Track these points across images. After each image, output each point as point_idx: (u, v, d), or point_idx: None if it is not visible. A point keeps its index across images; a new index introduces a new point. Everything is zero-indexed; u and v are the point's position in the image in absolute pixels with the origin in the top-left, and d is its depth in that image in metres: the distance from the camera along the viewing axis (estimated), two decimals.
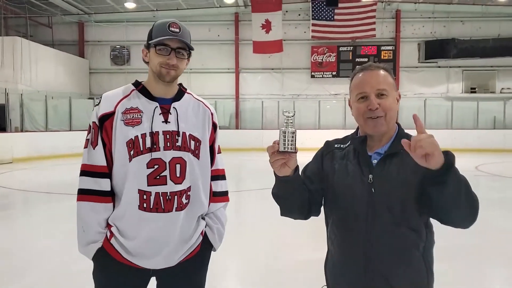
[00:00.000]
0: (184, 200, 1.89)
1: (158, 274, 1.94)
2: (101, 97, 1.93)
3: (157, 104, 1.90)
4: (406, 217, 1.55)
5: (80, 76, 21.66)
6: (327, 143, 1.82)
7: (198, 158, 1.94)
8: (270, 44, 20.12)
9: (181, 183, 1.87)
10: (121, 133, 1.84)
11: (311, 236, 5.73)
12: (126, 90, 1.94)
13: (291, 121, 1.48)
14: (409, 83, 21.32)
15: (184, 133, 1.90)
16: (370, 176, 1.60)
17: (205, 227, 2.03)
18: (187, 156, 1.89)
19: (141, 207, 1.83)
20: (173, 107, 1.92)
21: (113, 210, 1.89)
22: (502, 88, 21.18)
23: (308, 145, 20.46)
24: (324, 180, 1.72)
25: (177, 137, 1.88)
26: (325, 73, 21.13)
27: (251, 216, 7.33)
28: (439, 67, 21.31)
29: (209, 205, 2.05)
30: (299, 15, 21.37)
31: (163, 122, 1.87)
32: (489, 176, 11.74)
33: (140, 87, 1.94)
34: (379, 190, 1.58)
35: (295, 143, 1.48)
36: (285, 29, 20.76)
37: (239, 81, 21.66)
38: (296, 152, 1.50)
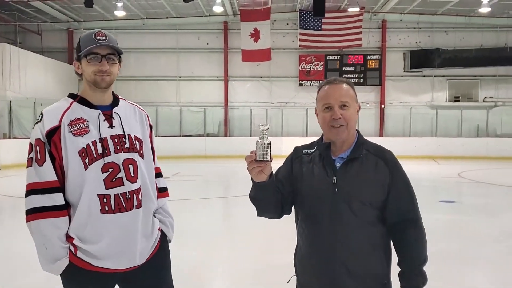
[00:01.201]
0: (140, 198, 2.01)
1: (127, 277, 2.02)
2: (42, 114, 1.96)
3: (99, 111, 1.99)
4: (364, 212, 1.79)
5: (69, 83, 21.63)
6: (296, 149, 2.03)
7: (143, 158, 2.06)
8: (259, 53, 20.37)
9: (135, 182, 1.99)
10: (72, 144, 1.90)
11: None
12: (66, 103, 2.00)
13: (266, 133, 1.70)
14: (394, 91, 21.71)
15: (129, 135, 2.02)
16: (334, 178, 1.81)
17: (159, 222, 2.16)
18: (136, 156, 2.02)
19: (102, 211, 1.91)
20: (115, 112, 2.03)
21: (70, 222, 1.94)
22: (485, 97, 21.66)
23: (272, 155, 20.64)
24: (293, 183, 1.91)
25: (124, 140, 1.99)
26: (312, 81, 21.40)
27: (240, 221, 7.49)
28: (424, 76, 21.74)
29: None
30: (287, 24, 21.68)
31: (108, 127, 1.98)
32: (471, 182, 12.01)
33: (78, 99, 2.01)
34: (341, 189, 1.79)
35: (270, 153, 1.70)
36: (274, 38, 21.04)
37: (228, 89, 21.84)
38: (271, 161, 1.72)
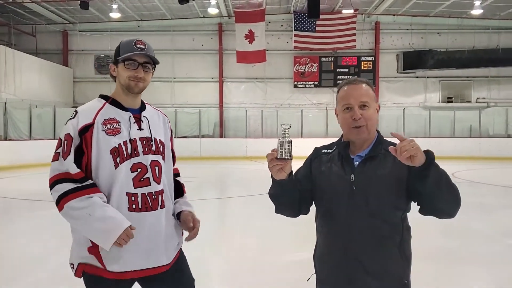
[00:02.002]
0: (163, 198, 2.10)
1: (150, 283, 2.09)
2: (76, 112, 2.06)
3: (130, 113, 2.09)
4: (382, 211, 1.79)
5: (64, 85, 21.67)
6: (316, 149, 2.07)
7: (164, 161, 2.16)
8: (254, 54, 20.47)
9: (160, 183, 2.09)
10: (104, 143, 1.98)
11: (294, 239, 6.02)
12: (99, 103, 2.10)
13: (288, 132, 1.77)
14: (388, 92, 21.89)
15: (155, 138, 2.12)
16: (352, 175, 1.83)
17: (185, 207, 2.27)
18: (160, 159, 2.12)
19: (130, 209, 1.99)
20: (144, 116, 2.13)
21: None
22: (478, 98, 21.89)
23: (293, 153, 20.82)
24: (312, 182, 1.95)
25: (151, 142, 2.09)
26: (307, 82, 21.53)
27: (236, 221, 7.57)
28: (417, 77, 21.93)
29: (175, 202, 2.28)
30: (282, 26, 21.79)
31: (138, 129, 2.07)
32: (465, 182, 12.11)
33: (110, 100, 2.11)
34: (359, 187, 1.81)
35: (291, 151, 1.76)
36: (268, 39, 21.16)
37: (223, 90, 21.91)
38: (291, 159, 1.77)
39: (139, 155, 2.04)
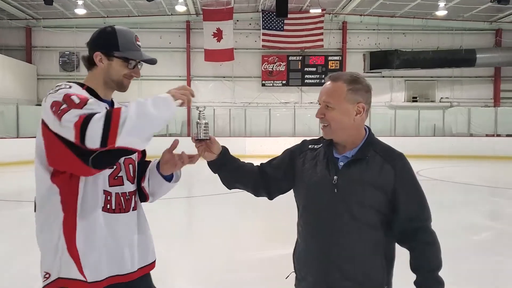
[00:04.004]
0: (136, 200, 1.95)
1: None
2: (68, 82, 1.83)
3: (106, 104, 1.87)
4: (364, 215, 1.73)
5: (28, 82, 21.10)
6: (303, 142, 1.98)
7: (138, 159, 2.02)
8: (222, 53, 20.43)
9: (133, 183, 1.93)
10: None
11: (264, 238, 6.05)
12: (78, 86, 1.85)
13: (203, 114, 1.84)
14: None
15: None
16: (335, 177, 1.75)
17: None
18: (134, 156, 1.94)
19: (104, 208, 1.79)
20: None
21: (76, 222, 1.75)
22: (442, 98, 22.46)
23: (260, 152, 20.64)
24: (287, 174, 1.91)
25: None
26: (275, 81, 21.61)
27: (204, 220, 7.54)
28: (383, 77, 22.31)
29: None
30: (250, 24, 21.80)
31: None
32: (429, 180, 12.35)
33: (85, 87, 1.86)
34: (341, 190, 1.74)
35: (208, 132, 1.85)
36: (236, 38, 21.15)
37: (190, 86, 21.74)
38: (209, 139, 1.86)
39: None
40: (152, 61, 1.95)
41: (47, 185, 1.78)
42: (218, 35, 20.37)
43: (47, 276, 1.77)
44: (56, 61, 21.79)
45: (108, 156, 1.62)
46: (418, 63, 21.16)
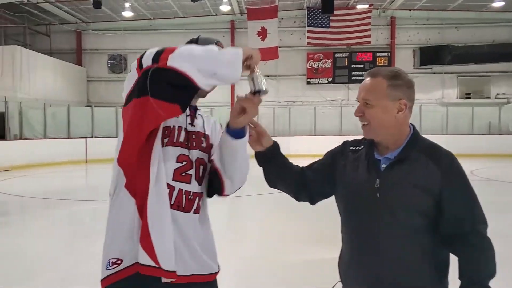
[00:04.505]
0: (200, 203, 1.82)
1: None
2: None
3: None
4: (409, 221, 1.59)
5: (78, 84, 21.79)
6: (344, 144, 1.86)
7: (209, 163, 1.90)
8: (266, 51, 20.26)
9: (201, 185, 1.83)
10: None
11: (307, 240, 5.84)
12: None
13: (257, 70, 1.65)
14: None
15: (208, 136, 1.90)
16: (377, 180, 1.63)
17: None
18: (206, 158, 1.87)
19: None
20: (199, 114, 1.91)
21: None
22: (497, 94, 21.39)
23: (305, 151, 20.40)
24: (329, 177, 1.79)
25: (202, 138, 1.86)
26: (320, 79, 21.30)
27: (245, 221, 7.43)
28: (434, 73, 21.51)
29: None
30: (295, 22, 21.58)
31: (189, 124, 1.84)
32: (484, 180, 11.85)
33: None
34: (384, 194, 1.61)
35: (264, 83, 1.65)
36: (281, 36, 20.96)
37: (234, 88, 21.78)
38: (266, 92, 1.67)
39: (187, 148, 1.79)
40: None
41: (117, 171, 1.74)
42: (263, 33, 20.26)
43: (118, 262, 1.70)
44: (105, 63, 22.37)
45: (163, 77, 1.56)
46: (472, 58, 20.34)
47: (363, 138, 1.78)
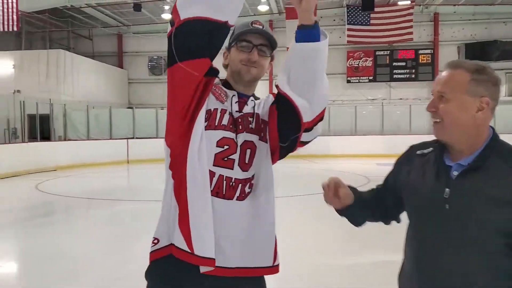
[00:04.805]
0: (247, 189, 1.68)
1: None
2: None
3: (235, 92, 1.75)
4: (485, 238, 1.36)
5: (120, 86, 22.25)
6: (411, 148, 1.66)
7: (266, 142, 1.74)
8: None
9: (247, 171, 1.68)
10: (207, 100, 1.67)
11: (348, 243, 5.64)
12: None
13: None
14: None
15: (257, 115, 1.75)
16: (447, 190, 1.42)
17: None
18: (256, 140, 1.71)
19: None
20: (251, 100, 1.78)
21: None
22: None
23: (345, 151, 19.98)
24: (399, 190, 1.62)
25: (250, 119, 1.72)
26: (361, 78, 20.90)
27: (284, 223, 7.28)
28: None
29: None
30: (334, 20, 21.25)
31: (237, 111, 1.72)
32: None
33: (223, 81, 1.81)
34: (454, 206, 1.40)
35: None
36: None
37: (272, 87, 21.68)
38: None
39: (232, 131, 1.67)
40: (259, 31, 1.73)
41: (165, 151, 1.71)
42: None
43: (155, 241, 1.70)
44: (145, 66, 22.75)
45: (183, 35, 1.54)
46: None
47: (433, 140, 1.57)
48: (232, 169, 1.65)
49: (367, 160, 16.97)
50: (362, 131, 19.72)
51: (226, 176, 1.64)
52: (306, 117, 1.64)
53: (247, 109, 1.74)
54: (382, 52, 20.73)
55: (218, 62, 1.75)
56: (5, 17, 12.91)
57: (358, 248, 5.36)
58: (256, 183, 1.70)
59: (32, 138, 15.84)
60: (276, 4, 19.94)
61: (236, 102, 1.73)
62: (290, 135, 1.69)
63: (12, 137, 15.84)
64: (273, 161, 1.77)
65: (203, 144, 1.61)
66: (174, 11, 1.56)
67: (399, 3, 19.37)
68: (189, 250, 1.57)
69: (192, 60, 1.55)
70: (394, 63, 20.61)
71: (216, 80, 1.74)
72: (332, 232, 6.10)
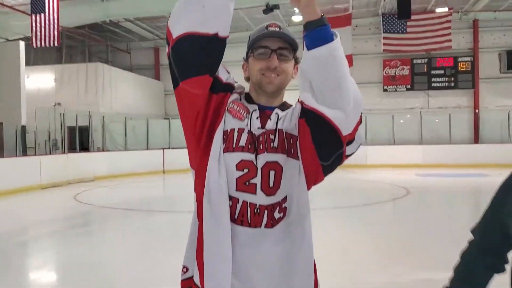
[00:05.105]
0: (276, 215, 1.50)
1: None
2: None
3: (256, 106, 1.58)
4: None
5: (156, 98, 22.65)
6: None
7: (298, 159, 1.51)
8: None
9: (274, 194, 1.50)
10: (224, 119, 1.53)
11: (387, 258, 5.46)
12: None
13: None
14: (490, 95, 20.10)
15: (281, 131, 1.53)
16: None
17: None
18: (283, 159, 1.51)
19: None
20: (275, 113, 1.57)
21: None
22: None
23: (383, 161, 19.55)
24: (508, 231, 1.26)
25: (271, 137, 1.52)
26: (398, 86, 20.50)
27: (323, 236, 7.13)
28: None
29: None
30: (369, 29, 20.98)
31: (259, 128, 1.54)
32: None
33: (245, 94, 1.68)
34: None
35: None
36: (355, 43, 20.43)
37: None
38: None
39: (252, 152, 1.50)
40: (275, 33, 1.56)
41: (192, 173, 1.61)
42: None
43: (184, 270, 1.61)
44: None
45: (179, 54, 1.44)
46: None
47: None
48: (255, 194, 1.49)
49: (405, 170, 16.58)
50: (400, 140, 19.29)
51: (250, 203, 1.49)
52: (345, 129, 1.42)
53: (269, 124, 1.55)
54: (419, 60, 20.28)
55: (239, 75, 1.67)
56: (47, 33, 13.36)
57: (398, 264, 5.17)
58: (289, 206, 1.51)
59: (72, 149, 16.27)
60: None
61: (257, 118, 1.56)
62: (333, 153, 1.47)
63: (53, 148, 16.32)
64: (317, 182, 1.58)
65: (222, 167, 1.48)
66: (167, 30, 1.46)
67: (437, 10, 18.92)
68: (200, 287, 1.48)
69: (191, 78, 1.45)
70: (432, 71, 20.12)
71: (236, 96, 1.60)
72: (372, 247, 5.91)
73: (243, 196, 1.49)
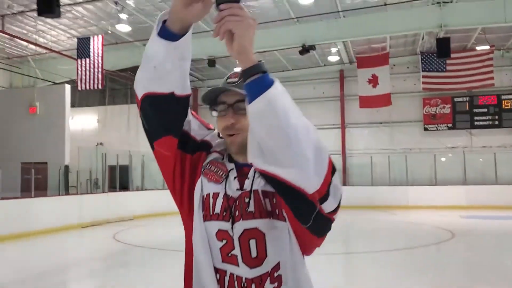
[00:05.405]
0: (267, 286, 1.34)
1: None
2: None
3: (233, 166, 1.44)
4: None
5: None
6: None
7: (285, 220, 1.34)
8: (378, 98, 19.68)
9: (260, 265, 1.35)
10: (201, 183, 1.43)
11: None
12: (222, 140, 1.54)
13: None
14: None
15: (256, 192, 1.37)
16: None
17: None
18: (264, 225, 1.35)
19: None
20: (253, 170, 1.39)
21: None
22: None
23: (425, 203, 19.03)
24: None
25: (246, 200, 1.37)
26: (439, 125, 20.04)
27: (366, 281, 6.84)
28: None
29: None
30: (408, 68, 20.82)
31: (238, 189, 1.40)
32: None
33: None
34: None
35: None
36: (393, 82, 20.24)
37: (345, 136, 21.36)
38: (238, 2, 1.15)
39: (227, 220, 1.37)
40: (230, 86, 1.41)
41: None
42: (374, 81, 19.77)
43: None
44: None
45: (147, 113, 1.40)
46: None
47: None
48: (238, 266, 1.35)
49: (449, 212, 15.94)
50: (442, 181, 18.68)
51: (236, 275, 1.35)
52: (309, 186, 1.18)
53: (247, 184, 1.39)
54: (460, 99, 19.85)
55: None
56: (92, 77, 13.96)
57: None
58: (284, 274, 1.34)
59: (112, 188, 16.57)
60: (346, 54, 19.95)
61: (234, 178, 1.41)
62: (309, 214, 1.25)
63: (94, 187, 16.67)
64: (314, 243, 1.38)
65: (204, 239, 1.37)
66: (135, 92, 1.39)
67: (477, 48, 18.62)
68: None
69: (159, 139, 1.40)
70: (475, 110, 19.61)
71: (216, 155, 1.48)
72: None
73: (229, 268, 1.37)
